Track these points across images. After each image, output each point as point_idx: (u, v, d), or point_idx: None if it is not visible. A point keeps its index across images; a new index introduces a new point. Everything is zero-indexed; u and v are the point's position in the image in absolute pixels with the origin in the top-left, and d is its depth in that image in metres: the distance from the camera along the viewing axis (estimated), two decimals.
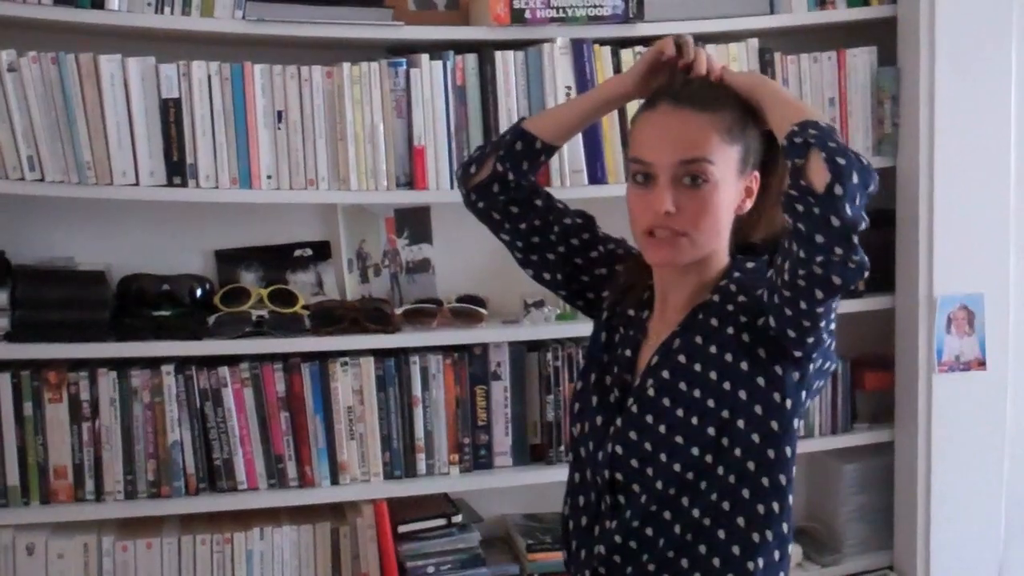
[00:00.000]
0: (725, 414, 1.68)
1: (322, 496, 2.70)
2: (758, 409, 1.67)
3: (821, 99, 2.93)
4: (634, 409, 1.74)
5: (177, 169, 2.53)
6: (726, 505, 1.70)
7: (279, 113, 2.58)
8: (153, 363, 2.58)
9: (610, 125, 2.77)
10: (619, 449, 1.74)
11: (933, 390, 2.96)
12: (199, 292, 2.65)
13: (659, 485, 1.70)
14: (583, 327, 2.82)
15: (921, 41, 2.86)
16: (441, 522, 2.78)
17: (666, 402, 1.71)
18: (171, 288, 2.61)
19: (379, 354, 2.71)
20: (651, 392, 1.73)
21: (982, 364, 2.97)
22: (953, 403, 2.97)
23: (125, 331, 2.55)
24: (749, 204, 1.75)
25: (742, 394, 1.68)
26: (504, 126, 2.71)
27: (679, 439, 1.69)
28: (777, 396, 1.68)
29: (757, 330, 1.68)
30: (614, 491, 1.76)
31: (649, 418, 1.72)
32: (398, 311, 2.75)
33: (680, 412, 1.70)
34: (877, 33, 2.99)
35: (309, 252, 2.83)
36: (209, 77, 2.53)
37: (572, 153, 2.75)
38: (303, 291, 2.76)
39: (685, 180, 1.66)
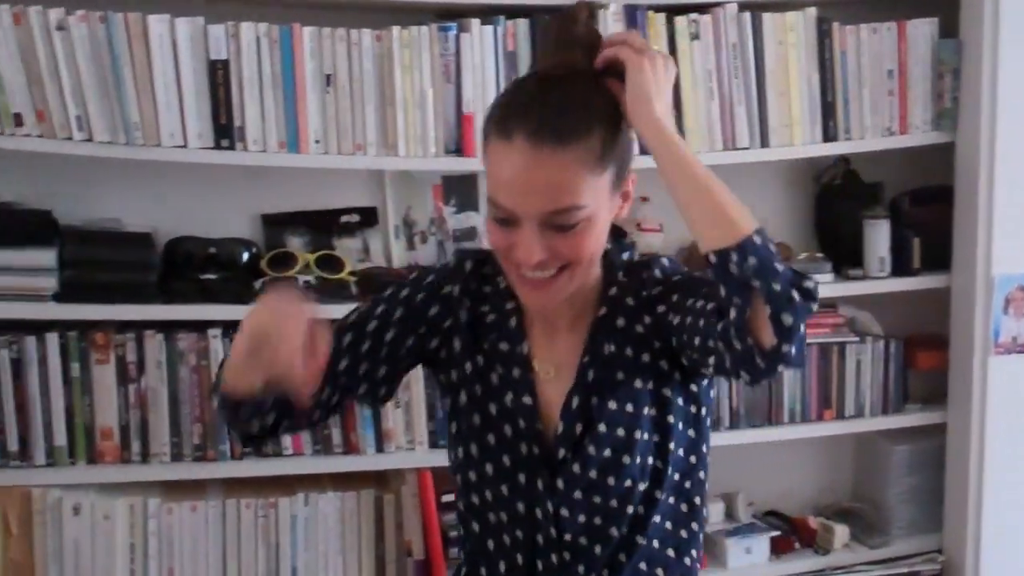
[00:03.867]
0: (656, 438, 1.57)
1: (366, 463, 2.69)
2: (681, 426, 1.59)
3: (880, 71, 2.87)
4: (576, 469, 1.55)
5: (225, 132, 2.52)
6: (668, 523, 1.62)
7: (328, 76, 2.56)
8: (200, 326, 2.57)
9: None
10: (564, 511, 1.56)
11: (988, 372, 2.91)
12: (246, 256, 2.64)
13: (613, 532, 1.57)
14: None
15: (985, 13, 2.80)
16: None
17: (607, 453, 1.55)
18: (218, 252, 2.60)
19: None
20: (591, 449, 1.55)
21: None
22: (1009, 386, 2.91)
23: (172, 294, 2.55)
24: (628, 207, 1.56)
25: (671, 418, 1.57)
26: None
27: (628, 483, 1.55)
28: (694, 408, 1.60)
29: (670, 354, 1.55)
30: (560, 548, 1.59)
31: (593, 473, 1.55)
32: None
33: (626, 459, 1.55)
34: (939, 4, 2.92)
35: (356, 218, 2.81)
36: (258, 39, 2.51)
37: None
38: (349, 257, 2.74)
39: (554, 226, 1.44)
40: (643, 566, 1.60)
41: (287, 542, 2.64)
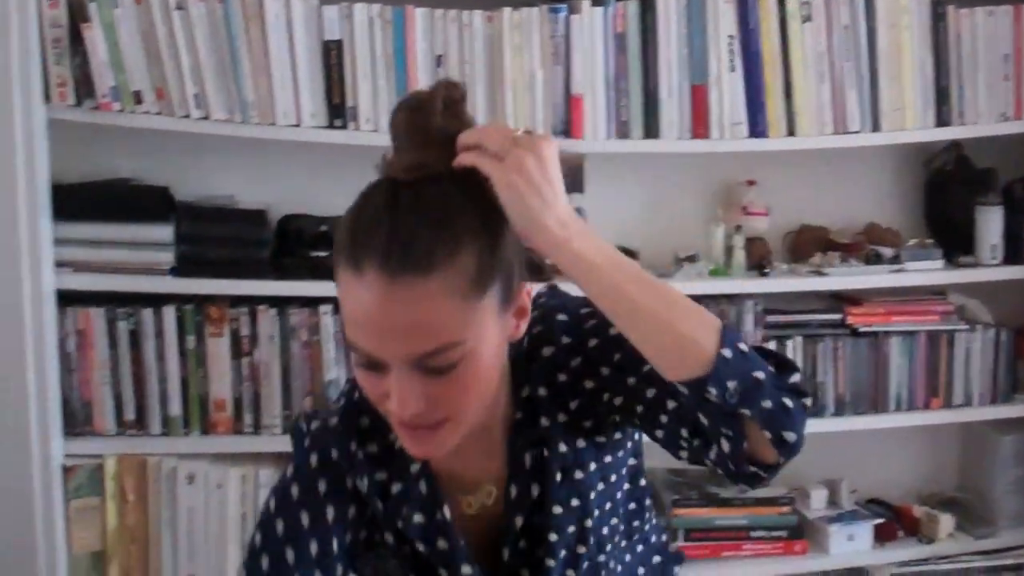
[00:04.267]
0: (608, 506, 1.43)
1: None
2: (624, 470, 1.43)
3: (995, 55, 2.81)
4: None
5: (338, 111, 2.56)
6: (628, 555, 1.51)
7: (438, 58, 2.58)
8: (311, 302, 2.62)
9: (773, 74, 2.71)
10: None
11: None
12: None
13: None
14: (739, 284, 2.79)
15: None
16: None
17: (564, 554, 1.39)
18: (329, 229, 2.64)
19: None
20: (550, 562, 1.37)
21: None
22: None
23: (285, 270, 2.60)
24: (525, 323, 1.27)
25: (614, 477, 1.41)
26: (664, 78, 2.67)
27: (586, 563, 1.41)
28: (630, 444, 1.43)
29: (605, 423, 1.36)
30: None
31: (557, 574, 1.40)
32: (550, 260, 2.73)
33: (581, 549, 1.39)
34: None
35: None
36: (371, 19, 2.54)
37: (732, 104, 2.69)
38: None
39: (428, 369, 1.17)
40: None
41: None
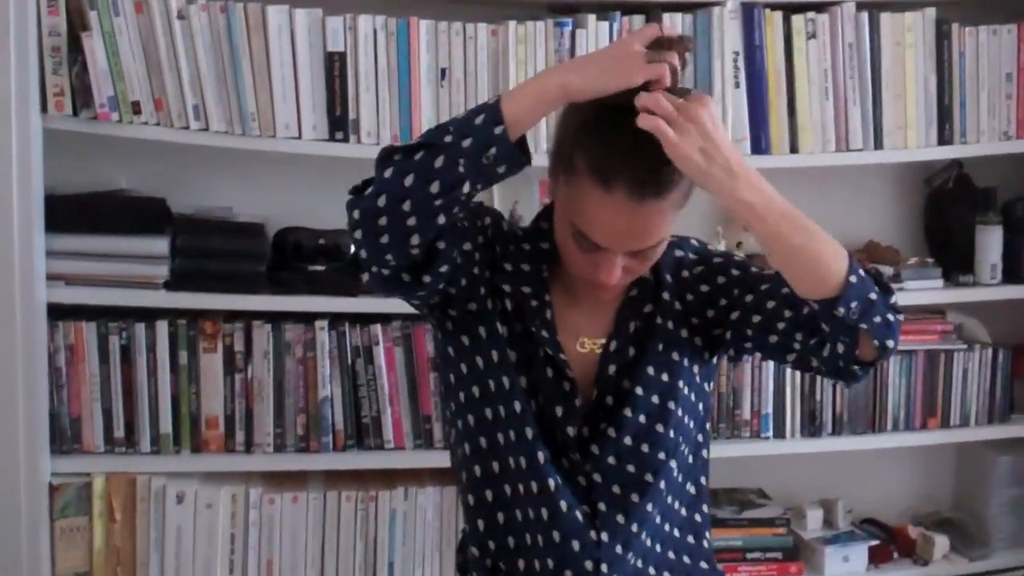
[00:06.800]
0: (692, 423, 1.72)
1: None
2: (693, 398, 1.72)
3: (998, 74, 2.80)
4: (611, 433, 1.67)
5: (339, 124, 2.51)
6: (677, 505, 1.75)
7: (443, 71, 2.54)
8: (307, 318, 2.57)
9: (776, 91, 2.68)
10: (597, 477, 1.66)
11: None
12: (353, 248, 2.62)
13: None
14: None
15: None
16: None
17: (643, 417, 1.66)
18: (327, 243, 2.59)
19: None
20: (628, 413, 1.66)
21: None
22: None
23: (281, 284, 2.55)
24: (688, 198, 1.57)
25: (699, 404, 1.73)
26: None
27: (645, 447, 1.67)
28: (707, 385, 1.74)
29: (707, 336, 1.71)
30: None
31: (626, 438, 1.67)
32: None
33: (660, 427, 1.67)
34: None
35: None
36: (375, 31, 2.50)
37: (736, 120, 2.67)
38: None
39: (637, 253, 1.57)
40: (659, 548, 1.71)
41: (385, 536, 2.63)
